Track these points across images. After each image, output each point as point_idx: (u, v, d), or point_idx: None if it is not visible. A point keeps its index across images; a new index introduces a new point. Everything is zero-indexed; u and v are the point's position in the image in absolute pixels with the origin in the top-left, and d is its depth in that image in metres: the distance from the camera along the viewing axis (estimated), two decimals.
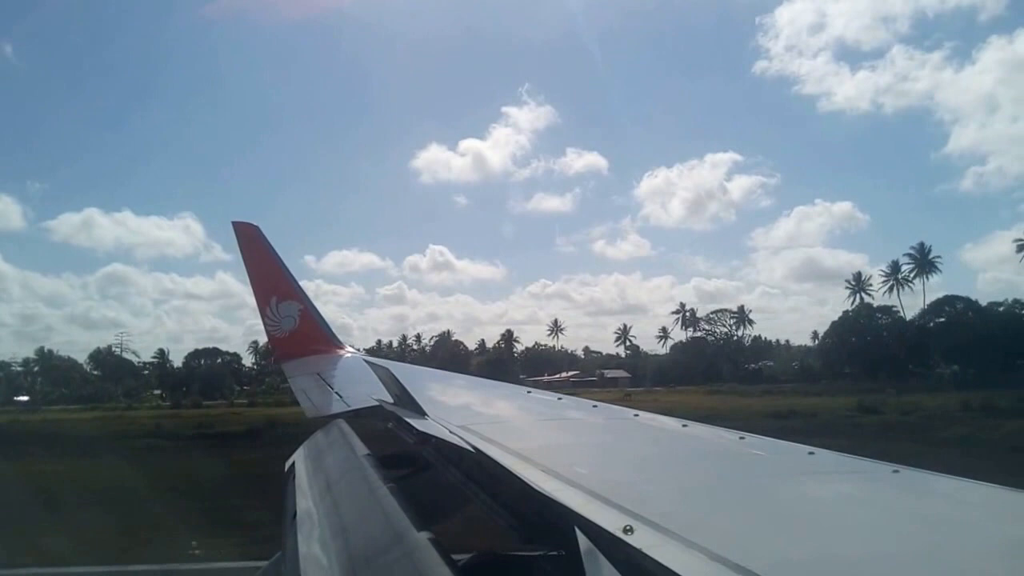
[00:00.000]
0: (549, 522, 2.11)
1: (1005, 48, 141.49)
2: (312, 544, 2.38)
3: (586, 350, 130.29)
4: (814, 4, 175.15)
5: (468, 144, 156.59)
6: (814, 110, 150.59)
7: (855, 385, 70.20)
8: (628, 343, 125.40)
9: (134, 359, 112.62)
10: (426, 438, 3.16)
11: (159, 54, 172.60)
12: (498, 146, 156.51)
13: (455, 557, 2.09)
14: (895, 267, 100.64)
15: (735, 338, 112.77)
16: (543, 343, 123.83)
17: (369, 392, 4.57)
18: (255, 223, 8.42)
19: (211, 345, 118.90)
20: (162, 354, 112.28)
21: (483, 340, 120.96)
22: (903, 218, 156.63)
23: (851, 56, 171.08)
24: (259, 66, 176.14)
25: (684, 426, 2.99)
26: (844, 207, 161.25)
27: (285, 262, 8.58)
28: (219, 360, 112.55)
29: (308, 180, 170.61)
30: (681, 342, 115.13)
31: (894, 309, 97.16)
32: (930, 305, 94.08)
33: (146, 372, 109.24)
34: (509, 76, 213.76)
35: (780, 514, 2.00)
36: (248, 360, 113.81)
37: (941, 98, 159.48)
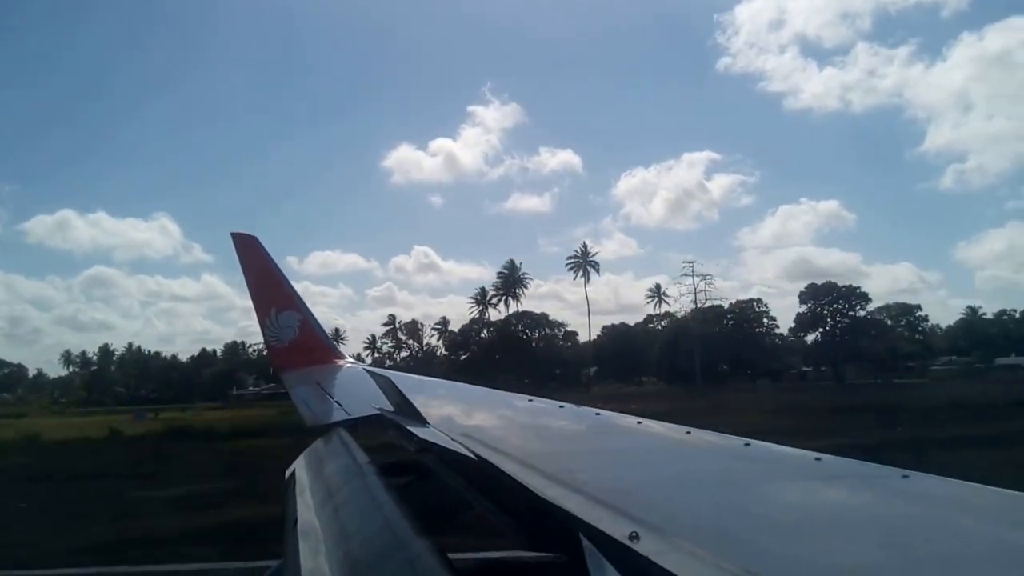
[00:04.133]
0: (554, 529, 2.09)
1: (975, 45, 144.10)
2: (313, 552, 2.35)
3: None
4: (773, 1, 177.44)
5: (439, 144, 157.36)
6: (783, 107, 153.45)
7: None
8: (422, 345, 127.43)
9: None
10: (428, 446, 3.14)
11: (127, 54, 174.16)
12: (469, 146, 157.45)
13: (457, 564, 2.07)
14: (505, 279, 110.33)
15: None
16: None
17: (370, 401, 4.55)
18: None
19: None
20: None
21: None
22: (890, 217, 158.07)
23: (815, 53, 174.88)
24: (228, 67, 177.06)
25: (688, 433, 2.97)
26: (830, 206, 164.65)
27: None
28: None
29: (279, 180, 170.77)
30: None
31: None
32: (503, 320, 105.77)
33: None
34: (470, 75, 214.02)
35: (788, 520, 1.98)
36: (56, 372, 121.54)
37: (912, 95, 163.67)
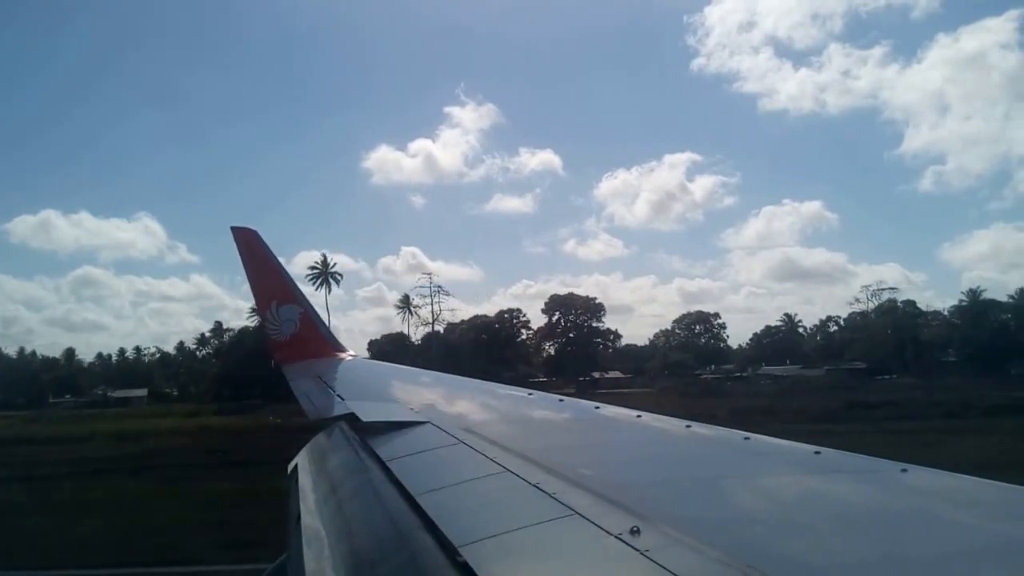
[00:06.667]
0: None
1: (951, 46, 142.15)
2: (317, 546, 2.37)
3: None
4: (742, 3, 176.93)
5: (419, 145, 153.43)
6: (760, 108, 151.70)
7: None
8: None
9: None
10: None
11: (105, 57, 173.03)
12: (448, 147, 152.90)
13: (460, 559, 2.08)
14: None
15: None
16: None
17: (371, 395, 4.57)
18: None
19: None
20: None
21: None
22: (874, 218, 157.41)
23: (789, 54, 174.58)
24: (207, 70, 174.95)
25: (687, 427, 2.99)
26: (813, 206, 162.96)
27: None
28: None
29: (260, 181, 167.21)
30: None
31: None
32: (249, 331, 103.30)
33: None
34: (443, 76, 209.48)
35: (788, 515, 2.00)
36: None
37: (889, 97, 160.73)
